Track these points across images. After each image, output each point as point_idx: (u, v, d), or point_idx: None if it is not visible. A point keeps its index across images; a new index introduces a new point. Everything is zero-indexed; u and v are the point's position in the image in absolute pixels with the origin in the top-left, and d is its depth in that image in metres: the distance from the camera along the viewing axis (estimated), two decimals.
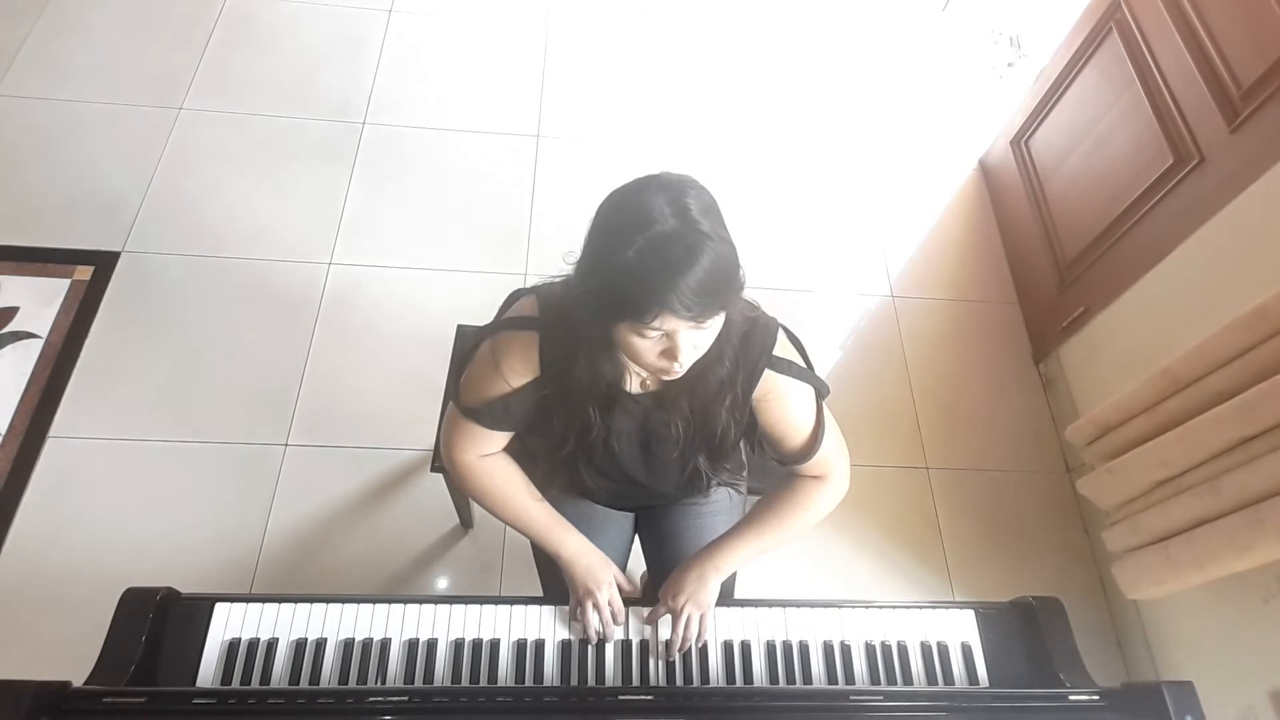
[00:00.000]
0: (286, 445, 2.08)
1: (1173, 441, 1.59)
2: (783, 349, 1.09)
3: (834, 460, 1.18)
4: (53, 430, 2.03)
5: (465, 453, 1.18)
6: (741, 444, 1.22)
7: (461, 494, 1.81)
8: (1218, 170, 1.82)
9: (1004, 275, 2.63)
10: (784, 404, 1.10)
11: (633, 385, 1.09)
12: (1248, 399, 1.43)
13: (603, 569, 1.22)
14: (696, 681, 1.18)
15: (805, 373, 1.11)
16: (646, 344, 0.90)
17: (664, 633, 1.21)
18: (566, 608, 1.22)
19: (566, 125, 2.76)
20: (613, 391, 1.06)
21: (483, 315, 1.85)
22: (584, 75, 2.89)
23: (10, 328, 2.15)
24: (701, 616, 1.19)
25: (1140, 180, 2.02)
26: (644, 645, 1.21)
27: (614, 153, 2.72)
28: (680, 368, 0.93)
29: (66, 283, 2.24)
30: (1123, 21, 2.13)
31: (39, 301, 2.20)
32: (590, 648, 1.19)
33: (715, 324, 0.91)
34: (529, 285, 1.10)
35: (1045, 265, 2.43)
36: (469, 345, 1.15)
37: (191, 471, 2.02)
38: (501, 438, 1.18)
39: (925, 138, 2.92)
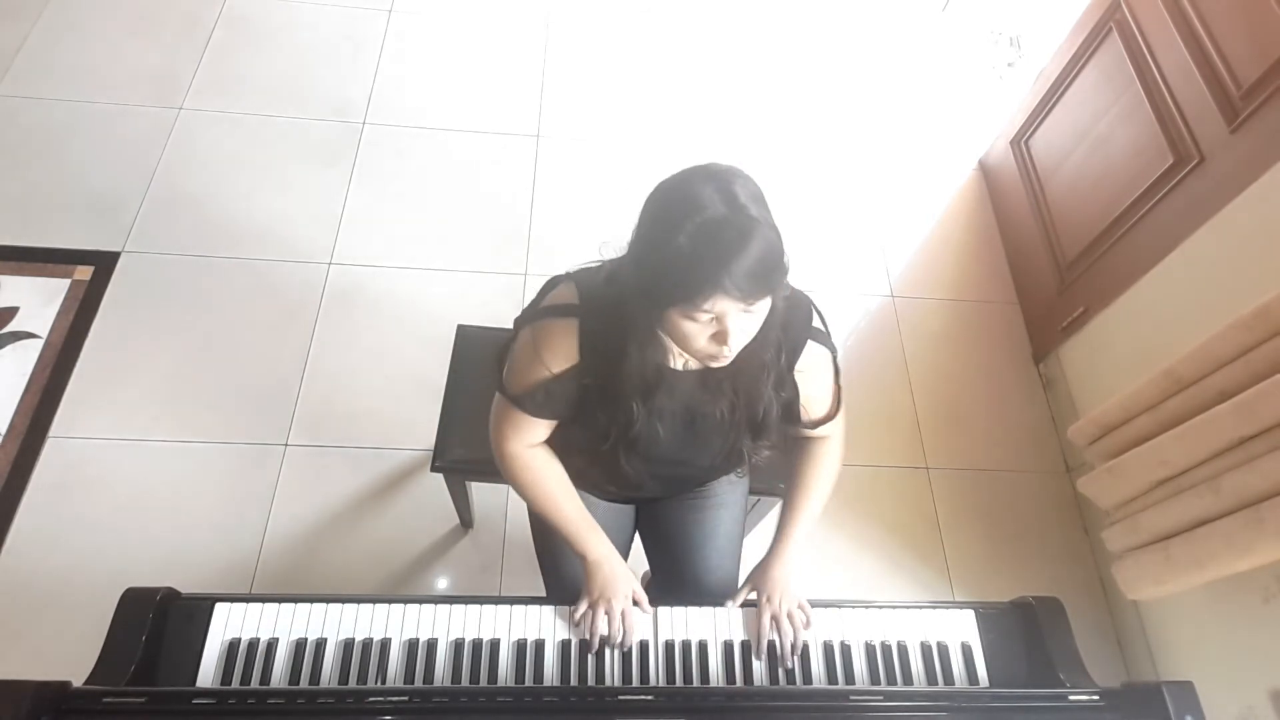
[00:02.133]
0: (286, 445, 2.08)
1: (1173, 441, 1.59)
2: (816, 319, 1.12)
3: (841, 419, 1.25)
4: (53, 430, 2.03)
5: (511, 442, 1.19)
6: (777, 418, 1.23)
7: (463, 493, 1.81)
8: (1218, 170, 1.82)
9: (1004, 275, 2.63)
10: (818, 373, 1.15)
11: (677, 362, 1.09)
12: (1248, 398, 1.43)
13: (624, 581, 1.21)
14: (696, 681, 1.18)
15: (829, 338, 1.15)
16: (697, 328, 0.92)
17: (745, 631, 1.23)
18: (567, 608, 1.22)
19: (566, 125, 2.76)
20: (658, 374, 1.06)
21: (483, 315, 1.87)
22: (584, 75, 2.89)
23: (10, 328, 2.15)
24: (801, 605, 1.22)
25: (1140, 180, 2.02)
26: (643, 645, 1.21)
27: (614, 153, 2.73)
28: (730, 352, 0.95)
29: (66, 283, 2.24)
30: (1123, 21, 2.13)
31: (39, 301, 2.20)
32: (590, 651, 1.19)
33: (762, 309, 0.93)
34: (566, 271, 1.10)
35: (1045, 265, 2.43)
36: (510, 334, 1.15)
37: (191, 471, 2.02)
38: (545, 426, 1.18)
39: (925, 138, 2.92)
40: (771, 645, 1.21)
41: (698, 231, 0.85)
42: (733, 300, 0.87)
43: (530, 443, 1.20)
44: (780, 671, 1.20)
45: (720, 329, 0.92)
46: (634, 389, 1.05)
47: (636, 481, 1.23)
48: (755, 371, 1.06)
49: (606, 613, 1.19)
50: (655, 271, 0.90)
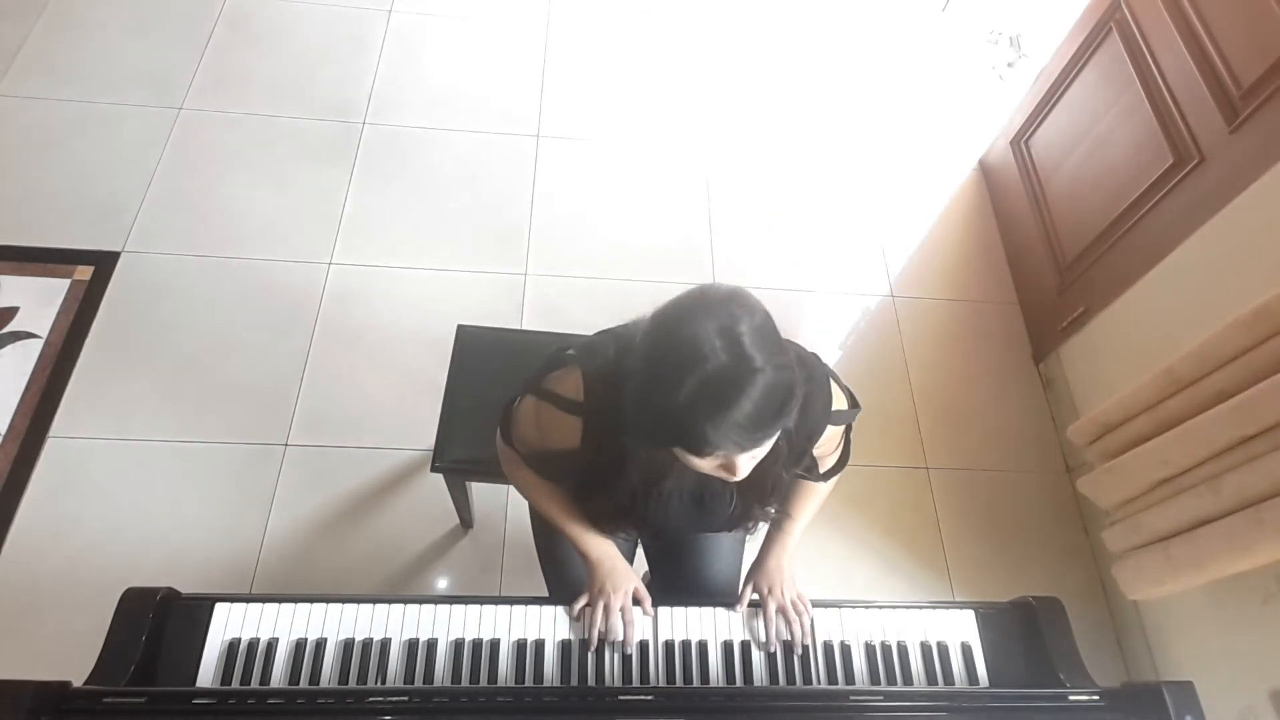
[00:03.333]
0: (286, 445, 2.08)
1: (1173, 441, 1.59)
2: (837, 400, 1.09)
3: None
4: (53, 430, 2.03)
5: (517, 471, 1.23)
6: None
7: (463, 493, 1.81)
8: (1218, 170, 1.82)
9: (1004, 275, 2.63)
10: (830, 440, 1.15)
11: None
12: (1248, 398, 1.43)
13: (625, 577, 1.22)
14: (696, 681, 1.18)
15: (851, 410, 1.13)
16: (702, 463, 0.90)
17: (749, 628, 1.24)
18: (566, 608, 1.22)
19: (566, 125, 2.76)
20: (662, 473, 1.05)
21: (483, 315, 1.87)
22: (584, 75, 2.89)
23: (10, 328, 2.15)
24: (800, 595, 1.24)
25: (1140, 180, 2.02)
26: (643, 645, 1.21)
27: (614, 153, 2.73)
28: (739, 478, 0.94)
29: (66, 283, 2.24)
30: (1123, 21, 2.13)
31: (39, 301, 2.20)
32: (590, 648, 1.19)
33: (771, 441, 0.90)
34: (571, 350, 1.07)
35: (1045, 265, 2.43)
36: (518, 390, 1.16)
37: (191, 471, 2.02)
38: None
39: (925, 138, 2.92)
40: (783, 641, 1.22)
41: (699, 387, 0.81)
42: (734, 451, 0.86)
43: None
44: (780, 671, 1.20)
45: (727, 463, 0.90)
46: (638, 482, 1.06)
47: (635, 535, 1.27)
48: (768, 465, 1.03)
49: (606, 607, 1.18)
50: (656, 419, 0.86)
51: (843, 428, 1.18)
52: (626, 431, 0.93)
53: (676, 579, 1.39)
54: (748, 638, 1.22)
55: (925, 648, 1.22)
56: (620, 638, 1.18)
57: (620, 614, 1.19)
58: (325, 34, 2.83)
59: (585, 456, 1.07)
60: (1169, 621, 1.92)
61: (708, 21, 3.11)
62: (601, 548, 1.23)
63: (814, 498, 1.30)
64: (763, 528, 1.28)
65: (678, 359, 0.82)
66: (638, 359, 0.89)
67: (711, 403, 0.81)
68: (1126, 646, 2.05)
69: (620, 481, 1.06)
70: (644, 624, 1.22)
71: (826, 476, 1.23)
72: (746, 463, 0.91)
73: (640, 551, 1.47)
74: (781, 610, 1.22)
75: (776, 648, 1.21)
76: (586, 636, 1.19)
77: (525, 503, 1.45)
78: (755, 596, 1.25)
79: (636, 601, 1.22)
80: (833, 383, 1.10)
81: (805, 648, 1.21)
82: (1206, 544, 1.52)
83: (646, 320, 0.90)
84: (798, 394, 0.86)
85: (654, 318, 0.89)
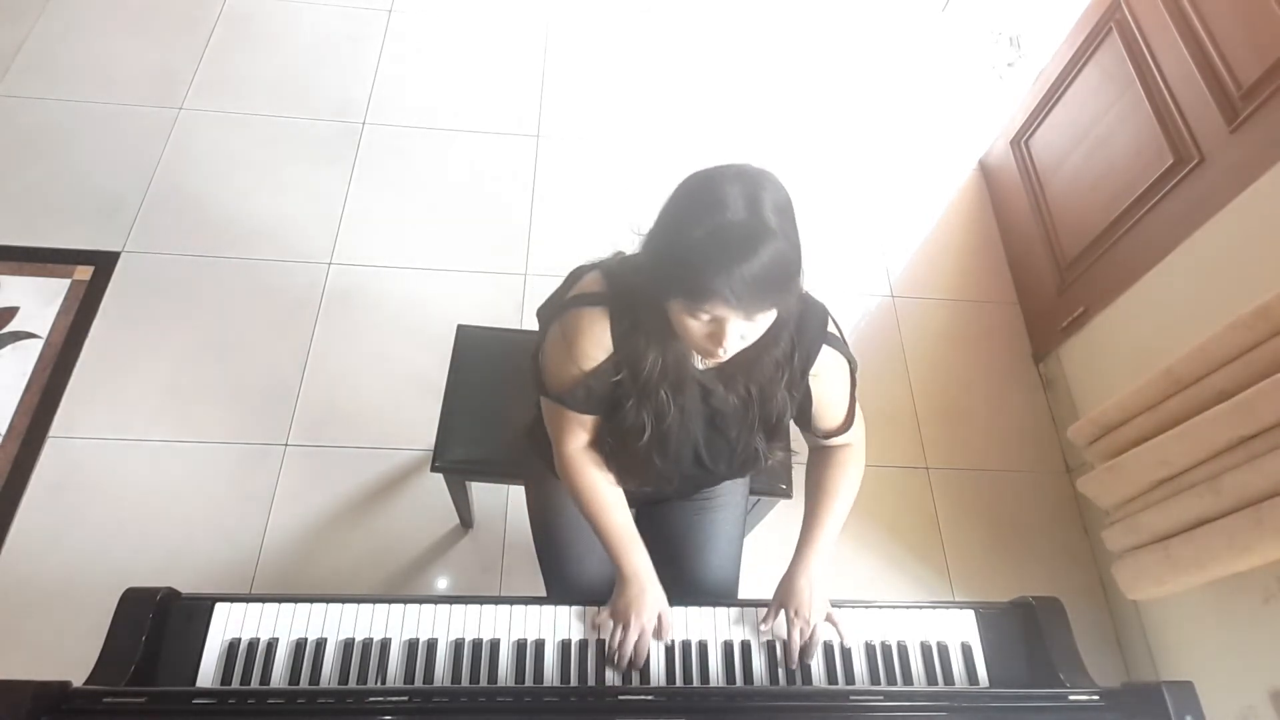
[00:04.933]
0: (286, 445, 2.08)
1: (1173, 440, 1.59)
2: (831, 325, 1.12)
3: (860, 428, 1.26)
4: (53, 430, 2.03)
5: (568, 443, 1.19)
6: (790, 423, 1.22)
7: (463, 493, 1.81)
8: (1218, 170, 1.82)
9: (1004, 275, 2.63)
10: (833, 379, 1.15)
11: (697, 361, 1.08)
12: (1248, 398, 1.43)
13: (653, 603, 1.18)
14: (696, 681, 1.18)
15: (847, 347, 1.14)
16: (695, 324, 0.92)
17: (779, 632, 1.23)
18: (566, 608, 1.22)
19: (566, 125, 2.76)
20: (682, 368, 1.06)
21: (483, 315, 1.87)
22: (584, 75, 2.89)
23: (10, 328, 2.15)
24: (828, 615, 1.21)
25: (1140, 180, 2.02)
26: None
27: (614, 153, 2.73)
28: (724, 354, 0.95)
29: (66, 283, 2.24)
30: (1123, 21, 2.13)
31: (39, 301, 2.20)
32: (590, 648, 1.19)
33: (765, 319, 0.93)
34: (590, 262, 1.10)
35: (1045, 265, 2.43)
36: (539, 330, 1.14)
37: (191, 471, 2.02)
38: (594, 421, 1.17)
39: (925, 138, 2.92)
40: (804, 654, 1.19)
41: (713, 230, 0.85)
42: (731, 309, 0.87)
43: (584, 442, 1.19)
44: (780, 671, 1.20)
45: (717, 330, 0.92)
46: (661, 381, 1.05)
47: (667, 478, 1.22)
48: (768, 369, 1.06)
49: (625, 628, 1.16)
50: (665, 260, 0.90)
51: (845, 372, 1.16)
52: (640, 288, 0.96)
53: (675, 575, 1.38)
54: (748, 638, 1.22)
55: (925, 648, 1.22)
56: (627, 663, 1.16)
57: (636, 639, 1.16)
58: (325, 34, 2.84)
59: (618, 358, 1.05)
60: (1169, 621, 1.92)
61: (708, 22, 3.11)
62: (635, 564, 1.19)
63: (837, 496, 1.25)
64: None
65: (699, 205, 0.87)
66: (661, 212, 0.93)
67: (721, 249, 0.84)
68: (1126, 646, 2.05)
69: (648, 383, 1.05)
70: (652, 645, 1.20)
71: (836, 431, 1.20)
72: (736, 339, 0.93)
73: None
74: (804, 635, 1.20)
75: (797, 666, 1.19)
76: (607, 655, 1.18)
77: (525, 503, 1.45)
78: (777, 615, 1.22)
79: (658, 626, 1.19)
80: (829, 318, 1.11)
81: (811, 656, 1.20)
82: (1206, 544, 1.52)
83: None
84: (800, 277, 0.91)
85: (686, 176, 0.93)
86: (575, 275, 1.11)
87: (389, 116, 2.68)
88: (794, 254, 0.89)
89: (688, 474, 1.26)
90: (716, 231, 0.85)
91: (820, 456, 1.29)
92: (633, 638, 1.16)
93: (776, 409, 1.11)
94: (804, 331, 1.07)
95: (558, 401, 1.13)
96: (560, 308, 1.08)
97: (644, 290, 0.97)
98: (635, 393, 1.07)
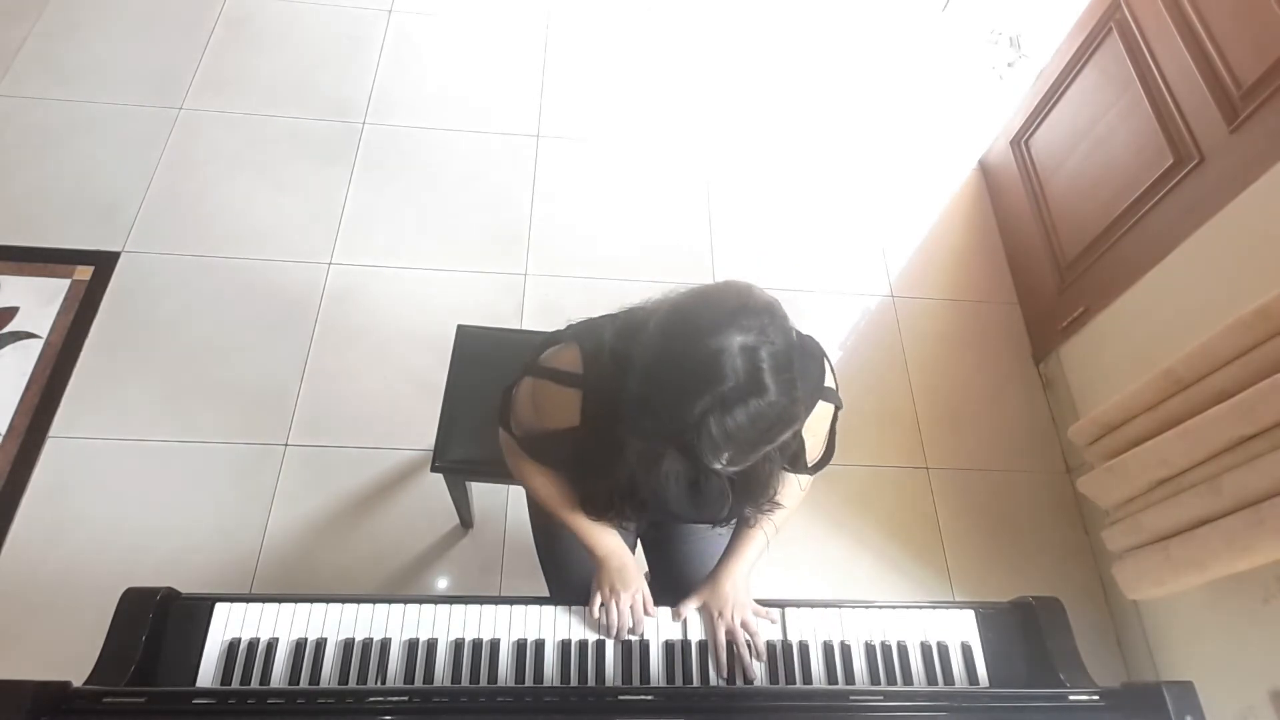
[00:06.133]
0: (286, 445, 2.08)
1: (1173, 440, 1.59)
2: (829, 375, 1.09)
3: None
4: (53, 430, 2.03)
5: (521, 463, 1.21)
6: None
7: (463, 493, 1.81)
8: (1218, 170, 1.82)
9: (1004, 275, 2.63)
10: (819, 427, 1.13)
11: None
12: (1248, 398, 1.43)
13: (635, 573, 1.22)
14: (696, 681, 1.18)
15: (838, 394, 1.12)
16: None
17: (697, 633, 1.24)
18: (566, 608, 1.22)
19: (566, 125, 2.76)
20: (658, 458, 1.03)
21: (483, 315, 1.87)
22: (584, 75, 2.89)
23: (10, 328, 2.15)
24: (755, 610, 1.23)
25: (1140, 180, 2.02)
26: (644, 645, 1.21)
27: (614, 153, 2.73)
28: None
29: (66, 283, 2.24)
30: (1123, 21, 2.13)
31: (39, 301, 2.20)
32: (589, 647, 1.19)
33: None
34: (567, 327, 1.08)
35: (1045, 265, 2.43)
36: (515, 374, 1.15)
37: (191, 471, 2.02)
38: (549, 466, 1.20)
39: (925, 138, 2.92)
40: (732, 656, 1.20)
41: (711, 406, 0.81)
42: (730, 465, 0.87)
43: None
44: (780, 671, 1.20)
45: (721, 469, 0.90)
46: (635, 462, 1.04)
47: (638, 521, 1.24)
48: (759, 461, 1.02)
49: (617, 603, 1.20)
50: (658, 420, 0.86)
51: (830, 416, 1.14)
52: (622, 422, 0.92)
53: (672, 577, 1.39)
54: (747, 639, 1.22)
55: (925, 648, 1.22)
56: (631, 634, 1.20)
57: (630, 610, 1.20)
58: (325, 34, 2.83)
59: (583, 433, 1.05)
60: (1169, 621, 1.92)
61: (708, 21, 3.11)
62: (608, 544, 1.22)
63: (781, 510, 1.24)
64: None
65: (697, 370, 0.81)
66: (650, 348, 0.87)
67: (718, 424, 0.81)
68: (1126, 646, 2.05)
69: (618, 461, 1.04)
70: (647, 623, 1.23)
71: (813, 470, 1.19)
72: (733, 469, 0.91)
73: (640, 551, 1.47)
74: (731, 634, 1.21)
75: (725, 669, 1.20)
76: (608, 634, 1.20)
77: (525, 503, 1.45)
78: (694, 604, 1.24)
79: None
80: (825, 365, 1.10)
81: (758, 664, 1.20)
82: (1206, 544, 1.52)
83: (665, 305, 0.89)
84: (798, 423, 0.88)
85: (676, 307, 0.87)
86: (551, 341, 1.09)
87: (389, 116, 2.68)
88: (795, 410, 0.86)
89: (661, 523, 1.27)
90: (715, 406, 0.81)
91: None
92: (626, 610, 1.20)
93: (766, 475, 1.09)
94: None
95: (517, 442, 1.16)
96: (538, 370, 1.07)
97: (626, 420, 0.92)
98: (603, 462, 1.06)
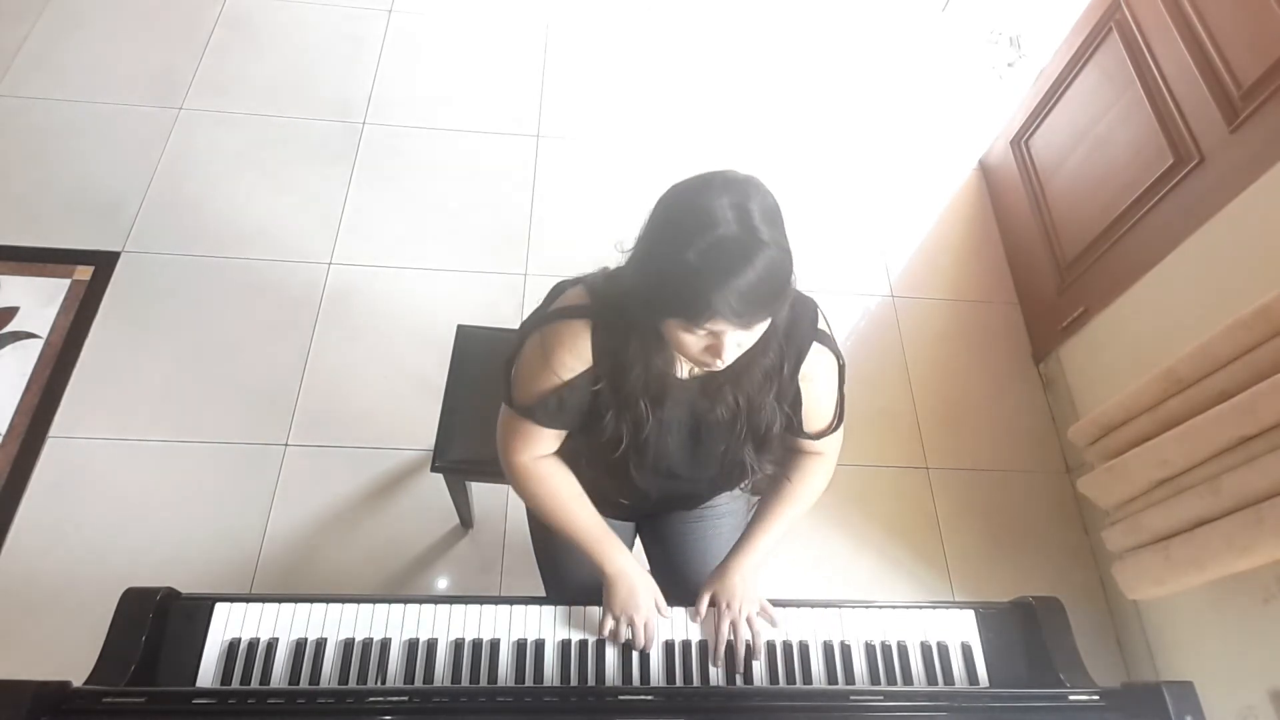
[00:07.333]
0: (286, 445, 2.08)
1: (1173, 440, 1.59)
2: (822, 321, 1.10)
3: (838, 438, 1.22)
4: (53, 430, 2.03)
5: (520, 454, 1.17)
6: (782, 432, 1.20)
7: (463, 493, 1.81)
8: (1218, 170, 1.82)
9: (1004, 275, 2.63)
10: (823, 379, 1.12)
11: (682, 371, 1.08)
12: (1248, 398, 1.43)
13: (645, 593, 1.20)
14: (696, 681, 1.18)
15: (836, 345, 1.12)
16: (692, 339, 0.92)
17: (703, 632, 1.23)
18: (566, 608, 1.22)
19: (566, 125, 2.76)
20: (665, 380, 1.05)
21: (483, 315, 1.87)
22: (584, 75, 2.89)
23: (10, 328, 2.15)
24: (762, 607, 1.22)
25: (1140, 180, 2.02)
26: None
27: (614, 153, 2.73)
28: (722, 364, 0.95)
29: (66, 283, 2.24)
30: (1123, 21, 2.13)
31: (39, 301, 2.20)
32: (589, 647, 1.19)
33: (761, 327, 0.93)
34: (574, 276, 1.10)
35: (1045, 265, 2.43)
36: (515, 341, 1.13)
37: (191, 471, 2.02)
38: (556, 437, 1.16)
39: (925, 138, 2.92)
40: (731, 650, 1.20)
41: (706, 249, 0.84)
42: (729, 322, 0.87)
43: (539, 454, 1.18)
44: (780, 671, 1.20)
45: (715, 343, 0.92)
46: (642, 392, 1.04)
47: (644, 491, 1.22)
48: (757, 378, 1.05)
49: (630, 626, 1.18)
50: (658, 281, 0.90)
51: (835, 371, 1.13)
52: (629, 300, 0.96)
53: (676, 582, 1.38)
54: (748, 637, 1.22)
55: (925, 648, 1.22)
56: (641, 649, 1.19)
57: (644, 629, 1.18)
58: (325, 34, 2.83)
59: (597, 370, 1.05)
60: (1169, 621, 1.92)
61: (708, 22, 3.11)
62: (619, 563, 1.19)
63: (791, 502, 1.25)
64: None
65: (690, 223, 0.86)
66: (647, 228, 0.93)
67: (716, 266, 0.84)
68: (1126, 646, 2.05)
69: (628, 395, 1.04)
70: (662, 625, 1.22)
71: (829, 431, 1.18)
72: (734, 349, 0.93)
73: (639, 554, 1.47)
74: (734, 625, 1.20)
75: (720, 660, 1.19)
76: (621, 646, 1.19)
77: (524, 506, 1.45)
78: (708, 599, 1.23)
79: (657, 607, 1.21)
80: (819, 314, 1.10)
81: (755, 662, 1.20)
82: (1206, 544, 1.52)
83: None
84: (793, 283, 0.92)
85: (667, 190, 0.93)
86: (558, 290, 1.11)
87: (389, 116, 2.68)
88: (787, 261, 0.89)
89: (666, 488, 1.25)
90: (710, 249, 0.84)
91: (790, 459, 1.25)
92: (640, 631, 1.18)
93: (765, 419, 1.09)
94: (794, 332, 1.06)
95: (524, 415, 1.11)
96: (542, 319, 1.08)
97: (633, 308, 0.96)
98: (614, 404, 1.06)
